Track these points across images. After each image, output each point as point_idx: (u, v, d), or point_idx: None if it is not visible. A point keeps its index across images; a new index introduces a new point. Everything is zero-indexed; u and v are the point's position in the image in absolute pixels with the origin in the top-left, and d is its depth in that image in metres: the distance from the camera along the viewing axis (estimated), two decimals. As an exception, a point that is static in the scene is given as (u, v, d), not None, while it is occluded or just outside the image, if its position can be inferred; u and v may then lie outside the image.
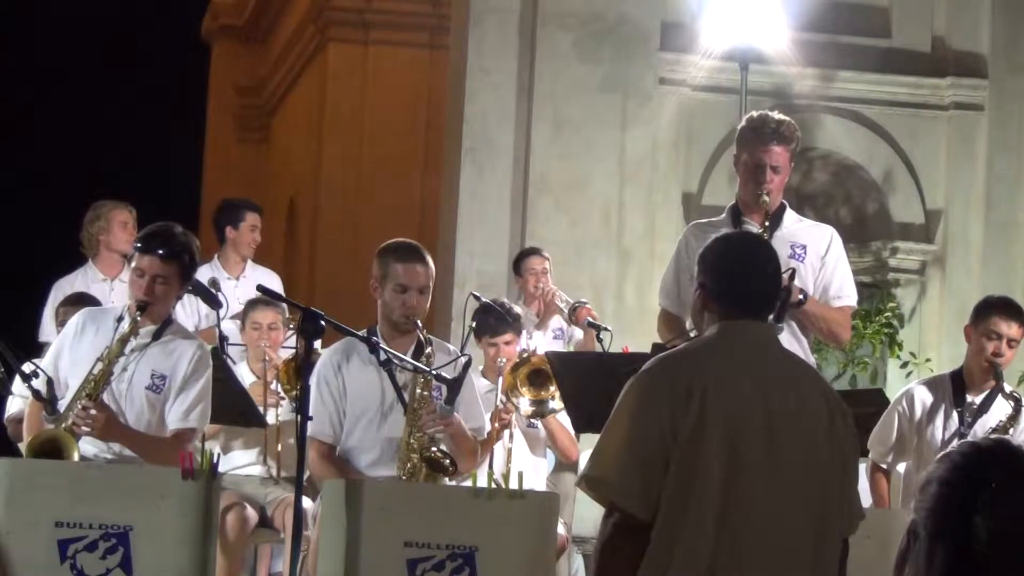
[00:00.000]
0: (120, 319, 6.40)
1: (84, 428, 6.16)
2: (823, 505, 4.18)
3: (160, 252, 6.36)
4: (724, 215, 6.90)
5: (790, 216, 6.85)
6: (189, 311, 9.21)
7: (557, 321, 9.95)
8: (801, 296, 6.56)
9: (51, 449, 6.12)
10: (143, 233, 6.64)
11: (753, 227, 6.71)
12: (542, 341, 9.65)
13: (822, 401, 4.28)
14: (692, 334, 6.46)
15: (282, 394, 8.12)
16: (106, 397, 6.30)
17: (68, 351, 6.44)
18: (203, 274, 9.64)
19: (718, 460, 4.09)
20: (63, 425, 6.18)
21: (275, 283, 9.85)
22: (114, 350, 6.29)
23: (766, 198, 6.69)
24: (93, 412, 6.16)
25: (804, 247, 6.77)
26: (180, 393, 6.43)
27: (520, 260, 10.44)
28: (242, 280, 9.61)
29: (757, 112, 7.00)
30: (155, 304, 6.37)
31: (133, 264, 6.49)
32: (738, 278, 4.33)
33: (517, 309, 8.45)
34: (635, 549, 4.10)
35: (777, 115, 6.91)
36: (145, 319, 6.40)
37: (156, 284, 6.36)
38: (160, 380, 6.42)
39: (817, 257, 6.77)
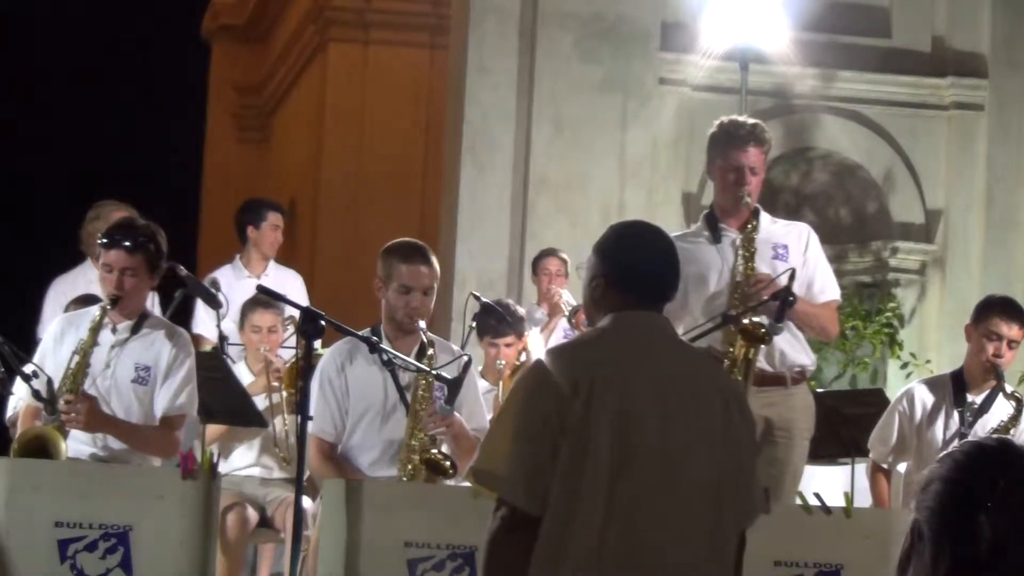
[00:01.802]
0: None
1: (70, 422, 6.17)
2: (716, 498, 4.14)
3: (125, 244, 6.39)
4: (700, 223, 6.92)
5: (765, 218, 6.87)
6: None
7: (566, 322, 9.99)
8: (792, 297, 6.58)
9: (38, 447, 6.13)
10: (107, 229, 6.64)
11: (731, 233, 6.73)
12: (551, 341, 9.67)
13: (716, 393, 4.24)
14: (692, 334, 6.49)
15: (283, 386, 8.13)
16: (93, 394, 6.32)
17: (51, 358, 6.45)
18: (224, 274, 9.66)
19: (606, 453, 4.05)
20: (52, 424, 6.20)
21: (298, 284, 9.87)
22: (87, 341, 6.33)
23: (748, 199, 6.70)
24: (78, 406, 6.18)
25: (786, 247, 6.80)
26: (165, 380, 6.46)
27: (537, 260, 10.49)
28: (264, 280, 9.59)
29: (727, 117, 6.99)
30: (127, 297, 6.40)
31: (101, 261, 6.50)
32: (633, 268, 4.29)
33: (520, 311, 8.44)
34: (524, 542, 4.06)
35: (748, 118, 6.93)
36: (121, 315, 6.42)
37: (125, 277, 6.38)
38: (144, 371, 6.44)
39: (799, 255, 6.80)
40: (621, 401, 4.10)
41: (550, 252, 10.48)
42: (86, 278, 9.15)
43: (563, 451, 4.06)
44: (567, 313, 9.71)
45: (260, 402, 8.13)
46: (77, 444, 6.35)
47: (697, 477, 4.13)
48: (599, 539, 4.04)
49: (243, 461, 8.15)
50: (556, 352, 4.33)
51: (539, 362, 4.25)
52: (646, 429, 4.10)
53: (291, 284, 9.71)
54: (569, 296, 9.99)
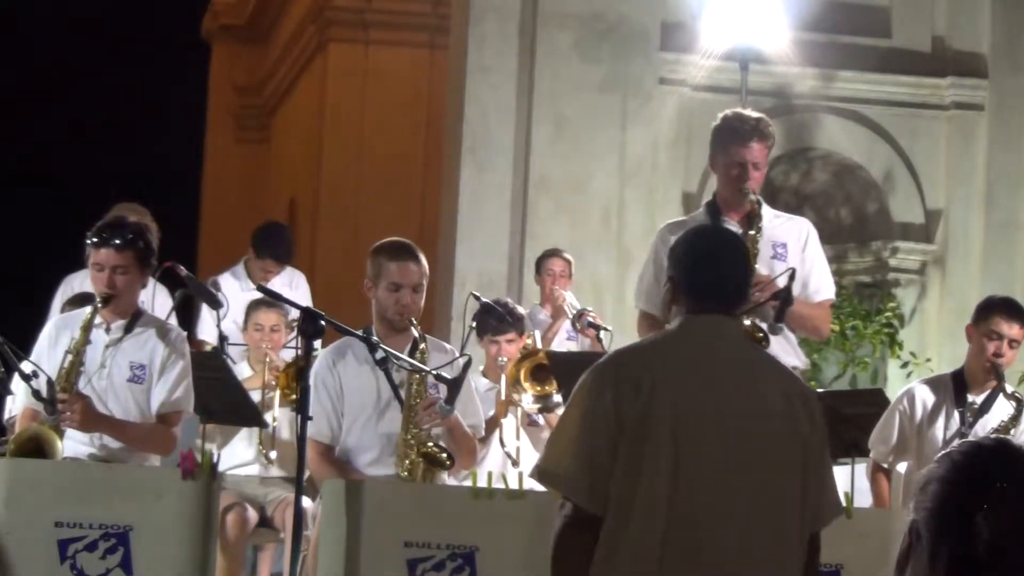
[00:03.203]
0: None
1: (65, 421, 6.16)
2: (778, 499, 4.15)
3: (115, 243, 6.37)
4: (701, 212, 6.90)
5: (767, 212, 6.83)
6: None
7: (570, 324, 9.98)
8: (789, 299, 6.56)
9: (35, 446, 6.13)
10: (95, 227, 6.63)
11: (732, 226, 6.71)
12: (554, 344, 9.66)
13: (782, 395, 4.24)
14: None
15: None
16: (90, 396, 6.31)
17: (46, 360, 6.43)
18: (226, 280, 9.64)
19: (665, 454, 4.08)
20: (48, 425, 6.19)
21: (301, 283, 9.86)
22: (79, 339, 6.32)
23: (752, 196, 6.69)
24: (73, 405, 6.17)
25: (784, 245, 6.78)
26: (160, 377, 6.46)
27: (540, 261, 10.46)
28: (272, 282, 9.62)
29: (731, 111, 6.96)
30: (119, 296, 6.39)
31: (91, 260, 6.49)
32: (705, 272, 4.32)
33: (520, 309, 8.44)
34: (587, 541, 4.10)
35: (751, 112, 6.89)
36: (115, 314, 6.41)
37: (116, 275, 6.37)
38: (140, 370, 6.43)
39: (797, 253, 6.78)
40: (681, 404, 4.13)
41: (553, 252, 10.46)
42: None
43: (622, 452, 4.09)
44: (571, 316, 9.70)
45: (254, 397, 8.13)
46: (75, 444, 6.34)
47: (757, 479, 4.14)
48: (658, 540, 4.07)
49: (243, 457, 8.15)
50: (620, 353, 4.37)
51: (602, 362, 4.28)
52: (705, 432, 4.13)
53: (297, 286, 9.73)
54: (573, 299, 9.97)
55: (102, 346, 6.41)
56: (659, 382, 4.12)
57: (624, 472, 4.09)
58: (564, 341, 9.86)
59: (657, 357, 4.23)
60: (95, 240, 6.45)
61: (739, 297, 4.41)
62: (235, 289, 9.52)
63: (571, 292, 10.12)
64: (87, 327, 6.34)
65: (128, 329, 6.47)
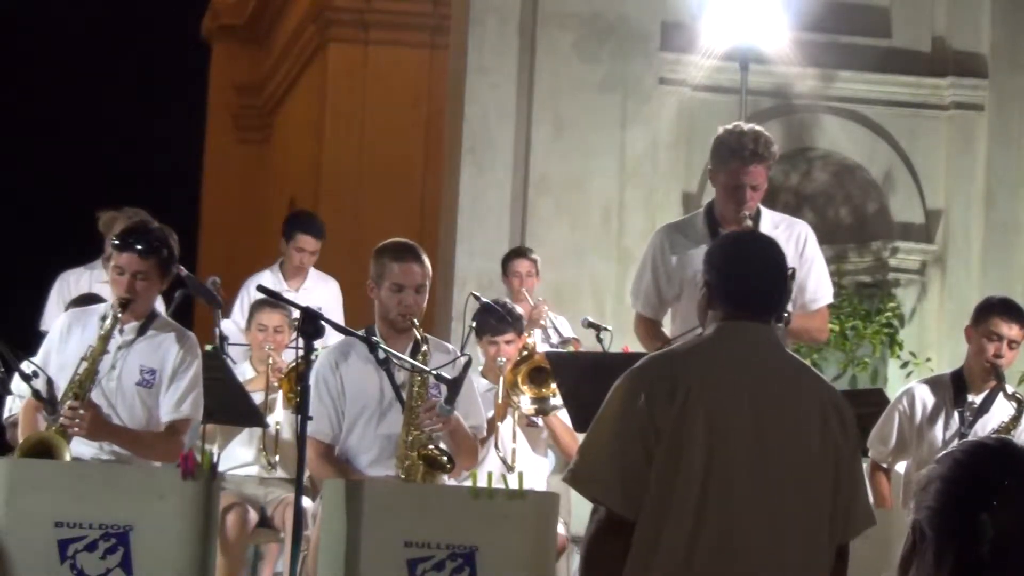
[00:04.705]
0: (105, 318, 6.38)
1: (73, 428, 6.15)
2: (810, 506, 4.16)
3: (138, 248, 6.35)
4: (699, 216, 6.84)
5: (766, 221, 6.78)
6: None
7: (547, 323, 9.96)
8: (786, 314, 6.52)
9: (42, 451, 6.11)
10: (120, 231, 6.60)
11: None
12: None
13: (816, 403, 4.24)
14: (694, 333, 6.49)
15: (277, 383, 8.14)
16: (97, 397, 6.28)
17: (56, 354, 6.42)
18: (265, 280, 9.67)
19: (699, 459, 4.09)
20: (53, 427, 6.17)
21: (333, 290, 9.90)
22: (97, 348, 6.27)
23: (749, 222, 6.66)
24: (81, 412, 6.15)
25: None
26: (171, 384, 6.43)
27: (506, 261, 10.40)
28: (303, 290, 9.68)
29: (733, 126, 6.86)
30: (137, 300, 6.37)
31: (112, 262, 6.47)
32: (741, 279, 4.31)
33: (519, 309, 8.44)
34: (620, 546, 4.11)
35: (751, 130, 6.72)
36: (129, 316, 6.39)
37: (136, 280, 6.35)
38: (150, 374, 6.41)
39: (795, 260, 6.70)
40: (715, 410, 4.13)
41: (519, 252, 10.40)
42: (92, 278, 9.14)
43: (657, 456, 4.10)
44: (556, 341, 9.65)
45: (256, 399, 8.13)
46: (80, 446, 6.32)
47: (788, 487, 4.15)
48: (689, 545, 4.08)
49: (243, 458, 8.16)
50: (656, 358, 4.36)
51: (637, 367, 4.27)
52: (739, 438, 4.14)
53: (330, 293, 9.77)
54: (554, 322, 9.92)
55: (114, 347, 6.37)
56: (694, 387, 4.13)
57: (658, 477, 4.09)
58: (540, 343, 9.82)
59: (692, 362, 4.23)
60: (117, 243, 6.43)
61: (776, 304, 4.40)
62: (271, 286, 9.53)
63: (557, 316, 10.06)
64: (106, 337, 6.30)
65: (141, 331, 6.45)
